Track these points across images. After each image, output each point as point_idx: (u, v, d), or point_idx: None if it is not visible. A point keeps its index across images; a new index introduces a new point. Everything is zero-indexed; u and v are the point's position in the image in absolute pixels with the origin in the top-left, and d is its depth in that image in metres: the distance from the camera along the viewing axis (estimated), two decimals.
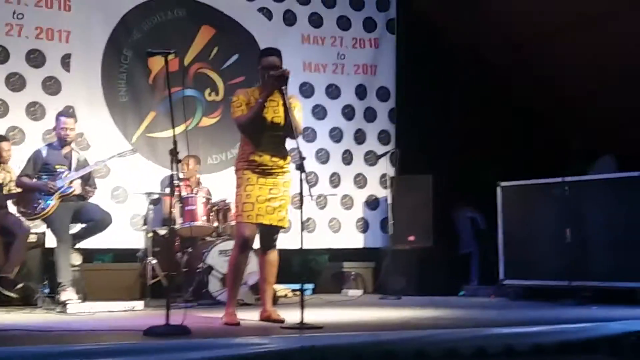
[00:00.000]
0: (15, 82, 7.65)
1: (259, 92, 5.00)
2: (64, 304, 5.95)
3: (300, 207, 4.77)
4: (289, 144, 5.14)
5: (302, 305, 4.59)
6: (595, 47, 8.20)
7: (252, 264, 5.85)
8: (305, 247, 8.12)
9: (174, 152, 4.43)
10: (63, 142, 6.57)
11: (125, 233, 7.76)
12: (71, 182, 6.44)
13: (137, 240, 7.54)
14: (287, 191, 5.04)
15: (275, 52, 5.08)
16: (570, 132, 8.49)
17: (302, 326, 4.49)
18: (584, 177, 7.20)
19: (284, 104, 4.87)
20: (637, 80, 8.06)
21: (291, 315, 4.88)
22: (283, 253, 5.29)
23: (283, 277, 6.34)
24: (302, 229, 4.80)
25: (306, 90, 8.98)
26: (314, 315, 5.25)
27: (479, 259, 8.78)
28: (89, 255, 7.84)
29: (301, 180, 4.65)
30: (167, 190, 7.10)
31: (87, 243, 6.95)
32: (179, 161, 4.48)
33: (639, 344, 4.44)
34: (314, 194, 8.60)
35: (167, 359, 3.57)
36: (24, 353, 3.43)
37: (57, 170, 6.48)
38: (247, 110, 4.93)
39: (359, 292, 8.49)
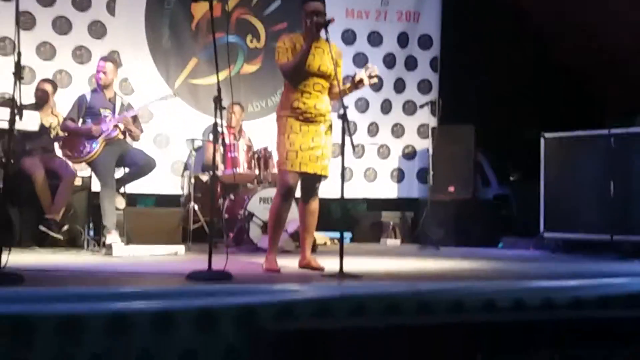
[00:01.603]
0: (62, 26, 7.71)
1: (303, 38, 4.97)
2: (109, 247, 6.07)
3: (342, 157, 4.77)
4: None
5: (341, 253, 4.62)
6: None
7: (292, 211, 5.88)
8: (344, 196, 8.36)
9: (218, 99, 4.44)
10: (100, 85, 6.63)
11: (167, 178, 7.88)
12: (115, 125, 6.50)
13: (179, 185, 7.64)
14: (329, 139, 5.03)
15: None
16: (613, 87, 8.32)
17: (341, 274, 4.53)
18: (630, 130, 7.07)
19: (331, 57, 4.85)
20: None
21: (330, 264, 4.93)
22: (321, 202, 5.32)
23: (322, 225, 6.39)
24: (343, 179, 4.79)
25: (348, 37, 8.92)
26: (353, 263, 5.30)
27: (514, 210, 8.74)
28: (132, 199, 7.99)
29: (343, 130, 4.64)
30: (211, 137, 7.14)
31: (131, 187, 7.07)
32: (223, 108, 4.49)
33: None
34: (354, 143, 8.71)
35: (209, 303, 3.61)
36: (68, 294, 3.53)
37: (102, 114, 6.55)
38: (292, 56, 4.91)
39: (397, 241, 8.53)
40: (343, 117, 4.63)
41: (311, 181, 5.03)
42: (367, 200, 9.30)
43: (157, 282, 4.24)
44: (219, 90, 4.45)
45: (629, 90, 8.40)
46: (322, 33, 4.91)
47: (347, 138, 4.61)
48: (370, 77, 5.00)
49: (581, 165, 7.32)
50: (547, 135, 7.57)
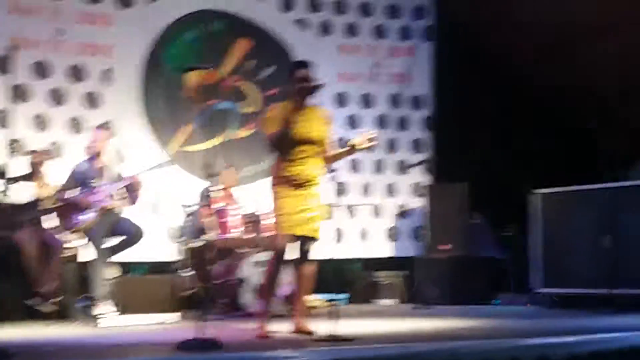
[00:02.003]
0: (57, 96, 7.79)
1: (292, 105, 5.02)
2: (98, 318, 6.00)
3: (330, 218, 4.79)
4: None
5: (332, 317, 4.58)
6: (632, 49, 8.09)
7: (285, 275, 5.86)
8: (335, 257, 8.33)
9: (208, 165, 4.46)
10: (94, 155, 6.66)
11: (160, 245, 7.84)
12: (108, 195, 6.50)
13: (172, 252, 7.61)
14: (319, 202, 5.05)
15: (306, 64, 5.11)
16: (608, 138, 8.38)
17: (333, 338, 4.48)
18: (623, 183, 7.09)
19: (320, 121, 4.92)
20: None
21: (324, 327, 4.87)
22: (321, 263, 5.29)
23: (317, 287, 6.35)
24: (331, 240, 4.80)
25: (340, 100, 9.01)
26: (347, 326, 5.24)
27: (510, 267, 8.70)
28: (124, 268, 7.94)
29: (332, 192, 4.66)
30: (204, 201, 7.15)
31: (125, 255, 7.04)
32: (214, 173, 4.51)
33: None
34: (345, 203, 8.73)
35: None
36: None
37: (95, 184, 6.55)
38: (278, 127, 4.95)
39: (391, 301, 8.45)
40: (332, 179, 4.68)
41: (304, 244, 5.04)
42: (361, 260, 9.25)
43: (145, 353, 4.18)
44: (209, 157, 4.47)
45: (622, 142, 8.45)
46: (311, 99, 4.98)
47: (336, 199, 4.63)
48: (369, 139, 5.02)
49: (575, 220, 7.29)
50: (538, 191, 7.57)
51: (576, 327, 5.44)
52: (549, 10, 8.36)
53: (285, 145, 4.96)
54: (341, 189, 8.80)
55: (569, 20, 8.42)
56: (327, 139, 5.01)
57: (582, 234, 7.20)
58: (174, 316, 6.29)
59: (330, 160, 5.16)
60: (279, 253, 4.95)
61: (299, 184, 4.96)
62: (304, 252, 5.08)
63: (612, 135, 8.42)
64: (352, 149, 5.09)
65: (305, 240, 5.02)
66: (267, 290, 5.04)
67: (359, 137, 5.07)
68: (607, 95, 8.79)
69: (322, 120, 4.95)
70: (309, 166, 4.99)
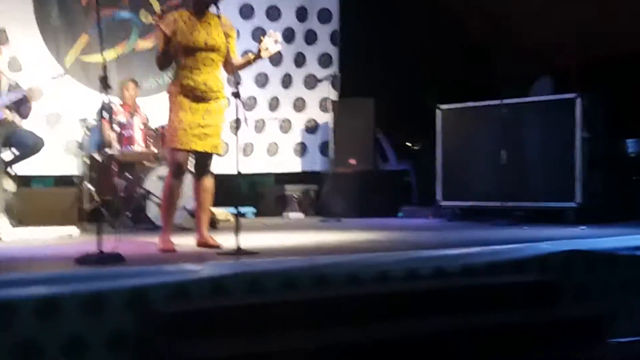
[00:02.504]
0: None
1: (190, 14, 4.89)
2: None
3: (236, 134, 4.74)
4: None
5: (237, 230, 4.60)
6: None
7: (191, 189, 5.82)
8: (244, 171, 8.33)
9: (103, 79, 4.32)
10: None
11: (61, 158, 7.65)
12: (2, 106, 6.25)
13: (74, 165, 7.44)
14: (220, 117, 4.97)
15: None
16: (506, 54, 8.55)
17: (238, 252, 4.51)
18: (521, 100, 7.28)
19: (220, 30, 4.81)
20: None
21: (231, 240, 4.89)
22: (226, 177, 5.27)
23: (225, 201, 6.36)
24: (238, 154, 4.77)
25: (246, 12, 8.84)
26: (253, 239, 5.30)
27: (415, 179, 8.93)
28: (26, 181, 7.72)
29: (237, 107, 4.60)
30: (105, 115, 6.96)
31: (24, 169, 6.84)
32: (109, 87, 4.37)
33: (566, 263, 4.59)
34: (252, 117, 8.69)
35: (99, 287, 3.54)
36: None
37: None
38: (172, 38, 4.81)
39: (300, 215, 8.56)
40: (236, 95, 4.61)
41: (202, 159, 5.01)
42: (274, 175, 9.30)
43: (45, 266, 4.11)
44: (104, 68, 4.32)
45: (523, 59, 8.63)
46: (212, 8, 4.85)
47: (240, 114, 4.58)
48: (275, 42, 4.95)
49: (476, 134, 7.50)
50: (443, 106, 7.71)
51: (472, 239, 5.64)
52: None
53: (182, 54, 4.83)
54: (249, 104, 8.75)
55: None
56: (228, 46, 4.86)
57: (481, 148, 7.41)
58: (76, 229, 6.18)
59: (235, 68, 5.01)
60: (176, 167, 4.89)
61: (198, 96, 4.86)
62: (203, 166, 5.03)
63: (513, 55, 8.58)
64: (257, 55, 4.98)
65: (205, 155, 4.97)
66: (166, 203, 4.99)
67: (265, 40, 4.93)
68: (506, 15, 8.92)
69: (223, 29, 4.82)
70: (209, 76, 4.87)
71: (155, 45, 8.08)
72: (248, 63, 5.07)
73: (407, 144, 9.38)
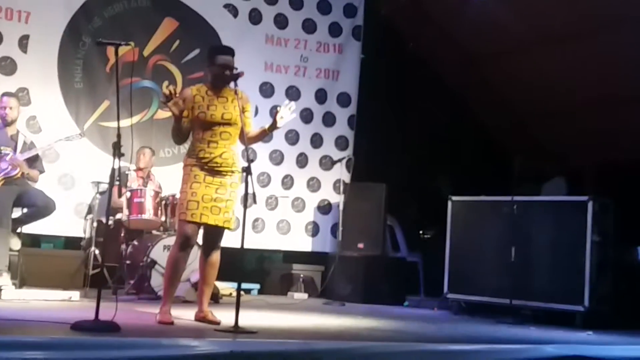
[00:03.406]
0: None
1: (207, 88, 4.95)
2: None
3: (244, 209, 4.73)
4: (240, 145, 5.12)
5: (237, 308, 4.55)
6: (555, 66, 8.30)
7: (197, 261, 5.78)
8: (253, 247, 8.32)
9: (116, 145, 4.36)
10: (4, 121, 6.44)
11: (70, 220, 7.66)
12: (15, 165, 6.30)
13: (82, 228, 7.46)
14: (234, 192, 4.97)
15: (231, 51, 5.05)
16: (522, 152, 8.59)
17: (236, 330, 4.45)
18: (532, 198, 7.25)
19: (237, 104, 4.86)
20: (594, 106, 8.17)
21: (231, 317, 4.81)
22: (234, 251, 5.22)
23: (230, 276, 6.31)
24: (243, 230, 4.75)
25: (266, 90, 8.95)
26: (253, 317, 5.24)
27: (423, 270, 8.84)
28: (35, 241, 7.72)
29: (246, 182, 4.61)
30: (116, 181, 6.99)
31: (32, 228, 6.85)
32: (122, 154, 4.41)
33: None
34: (265, 194, 8.71)
35: (91, 356, 3.49)
36: None
37: (2, 151, 6.33)
38: (186, 111, 4.86)
39: (304, 295, 8.47)
40: (247, 170, 4.63)
41: (213, 233, 4.97)
42: (282, 252, 9.25)
43: (39, 331, 4.05)
44: (119, 136, 4.37)
45: (538, 158, 8.66)
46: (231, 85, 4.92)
47: (250, 191, 4.58)
48: (290, 111, 4.98)
49: (485, 229, 7.44)
50: (454, 198, 7.69)
51: (476, 335, 5.55)
52: (478, 21, 8.49)
53: (199, 127, 4.88)
54: (264, 180, 8.79)
55: (498, 33, 8.60)
56: (244, 120, 4.87)
57: (491, 243, 7.34)
58: (76, 294, 6.12)
59: (251, 140, 5.04)
60: (184, 239, 4.86)
61: (214, 170, 4.87)
62: (213, 241, 5.00)
63: (528, 152, 8.61)
64: (273, 125, 4.98)
65: (216, 229, 4.94)
66: (169, 275, 4.94)
67: (281, 110, 4.97)
68: (526, 113, 9.03)
69: (239, 103, 4.86)
70: (225, 150, 4.90)
71: None
72: (264, 133, 5.08)
73: (419, 232, 9.32)
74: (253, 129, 5.14)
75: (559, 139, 8.78)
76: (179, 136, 4.97)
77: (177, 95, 4.82)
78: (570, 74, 8.35)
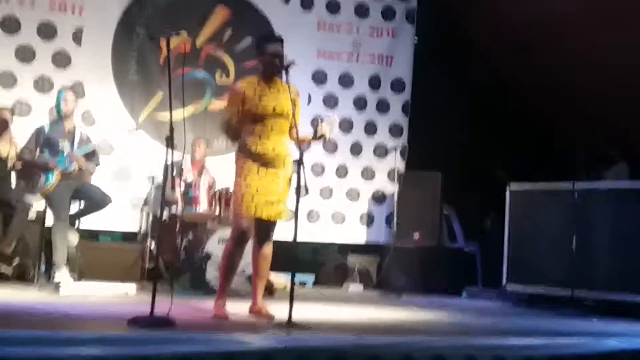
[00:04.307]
0: (25, 54, 7.61)
1: (258, 79, 4.90)
2: (57, 285, 5.89)
3: (297, 201, 4.67)
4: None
5: (291, 302, 4.50)
6: (610, 49, 8.04)
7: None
8: (308, 239, 8.26)
9: (169, 139, 4.35)
10: (61, 116, 6.50)
11: (126, 214, 7.73)
12: (73, 159, 6.35)
13: (137, 222, 7.52)
14: (287, 184, 4.93)
15: (280, 39, 4.98)
16: (582, 137, 8.35)
17: (289, 325, 4.40)
18: (594, 185, 7.03)
19: (288, 97, 4.80)
20: None
21: (285, 310, 4.77)
22: (288, 243, 5.18)
23: (286, 266, 6.25)
24: (296, 223, 4.68)
25: (319, 77, 8.88)
26: (308, 311, 5.19)
27: (480, 260, 8.67)
28: (93, 235, 7.82)
29: (298, 174, 4.55)
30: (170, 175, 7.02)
31: (90, 223, 6.93)
32: (174, 147, 4.39)
33: None
34: (319, 185, 8.64)
35: (146, 351, 3.48)
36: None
37: (60, 146, 6.40)
38: (241, 106, 4.81)
39: (359, 287, 8.39)
40: (299, 162, 4.56)
41: (266, 226, 4.93)
42: (336, 244, 9.18)
43: (96, 326, 4.09)
44: (171, 129, 4.35)
45: (599, 143, 8.40)
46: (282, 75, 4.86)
47: (302, 183, 4.52)
48: (331, 127, 4.95)
49: (545, 217, 7.24)
50: (513, 186, 7.51)
51: (536, 328, 5.41)
52: (529, 7, 8.27)
53: (250, 121, 4.83)
54: (317, 171, 8.73)
55: (556, 15, 8.36)
56: (294, 115, 4.81)
57: (551, 232, 7.14)
58: (133, 287, 6.16)
59: (294, 140, 4.96)
60: (239, 233, 4.83)
61: (267, 162, 4.83)
62: (266, 234, 4.96)
63: (588, 137, 8.36)
64: (319, 138, 4.99)
65: (270, 223, 4.90)
66: (224, 269, 4.92)
67: (322, 127, 4.96)
68: (585, 98, 8.77)
69: (290, 96, 4.78)
70: (277, 142, 4.86)
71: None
72: (305, 142, 5.00)
73: (477, 221, 9.14)
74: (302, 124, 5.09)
75: (621, 124, 8.49)
76: (231, 132, 4.91)
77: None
78: (621, 56, 8.06)
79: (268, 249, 5.00)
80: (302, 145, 4.70)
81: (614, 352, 4.32)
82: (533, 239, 7.30)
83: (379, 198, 9.05)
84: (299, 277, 8.21)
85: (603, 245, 6.75)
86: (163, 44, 7.95)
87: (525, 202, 7.46)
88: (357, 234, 8.97)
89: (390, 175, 9.03)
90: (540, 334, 4.69)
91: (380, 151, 9.06)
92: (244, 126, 4.87)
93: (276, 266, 5.38)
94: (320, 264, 9.08)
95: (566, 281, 6.74)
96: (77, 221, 6.63)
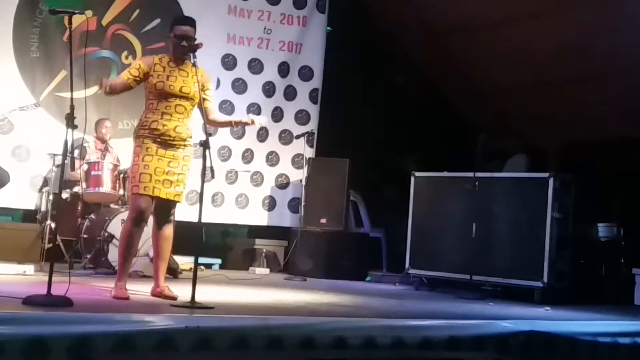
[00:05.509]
0: None
1: (169, 59, 4.87)
2: None
3: (202, 183, 4.64)
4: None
5: (194, 282, 4.48)
6: (517, 44, 8.31)
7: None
8: (212, 221, 8.22)
9: (69, 117, 4.25)
10: None
11: (26, 193, 7.50)
12: None
13: (38, 201, 7.31)
14: (186, 166, 4.90)
15: (191, 21, 4.94)
16: (485, 129, 8.60)
17: (192, 305, 4.38)
18: (494, 174, 7.25)
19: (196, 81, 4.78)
20: (551, 84, 8.20)
21: (189, 292, 4.74)
22: (195, 226, 5.14)
23: (193, 250, 6.19)
24: (201, 205, 4.66)
25: (228, 62, 8.81)
26: (212, 293, 5.17)
27: (386, 245, 8.84)
28: None
29: (204, 157, 4.52)
30: (76, 153, 6.84)
31: None
32: (74, 126, 4.30)
33: (526, 344, 4.49)
34: (225, 168, 8.60)
35: (42, 331, 3.40)
36: None
37: None
38: (140, 77, 4.81)
39: (266, 270, 8.41)
40: (205, 144, 4.53)
41: (164, 207, 4.90)
42: (247, 227, 9.17)
43: None
44: (72, 107, 4.26)
45: (500, 134, 8.67)
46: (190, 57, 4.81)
47: (207, 165, 4.50)
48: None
49: (447, 205, 7.43)
50: (417, 174, 7.66)
51: (435, 310, 5.55)
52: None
53: (155, 97, 4.81)
54: (224, 154, 8.68)
55: (463, 9, 8.57)
56: (200, 96, 4.79)
57: (452, 219, 7.33)
58: (31, 267, 5.99)
59: (215, 124, 5.24)
60: (137, 213, 4.77)
61: (167, 143, 4.78)
62: (165, 215, 4.92)
63: (490, 130, 8.62)
64: (241, 124, 5.23)
65: (168, 203, 4.86)
66: (123, 250, 4.84)
67: (261, 118, 5.24)
68: (489, 90, 9.04)
69: (198, 79, 4.76)
70: (179, 123, 4.82)
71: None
72: (229, 124, 5.34)
73: (382, 208, 9.29)
74: (214, 106, 5.09)
75: (521, 116, 8.79)
76: (117, 88, 4.89)
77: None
78: (531, 53, 8.35)
79: (168, 230, 4.96)
80: (226, 126, 4.86)
81: (507, 333, 4.49)
82: (435, 226, 7.48)
83: (282, 183, 9.09)
84: (206, 260, 8.17)
85: (501, 233, 6.98)
86: (66, 21, 7.73)
87: (429, 190, 7.63)
88: (260, 218, 9.00)
89: (295, 161, 9.06)
90: (438, 316, 4.81)
91: (286, 137, 9.07)
92: (146, 102, 4.83)
93: (182, 250, 5.35)
94: (229, 248, 9.07)
95: (465, 267, 6.95)
96: None
